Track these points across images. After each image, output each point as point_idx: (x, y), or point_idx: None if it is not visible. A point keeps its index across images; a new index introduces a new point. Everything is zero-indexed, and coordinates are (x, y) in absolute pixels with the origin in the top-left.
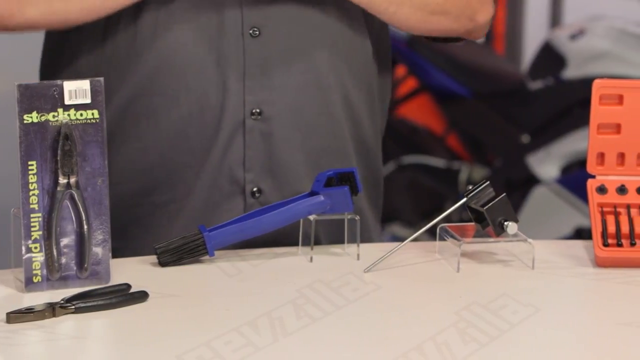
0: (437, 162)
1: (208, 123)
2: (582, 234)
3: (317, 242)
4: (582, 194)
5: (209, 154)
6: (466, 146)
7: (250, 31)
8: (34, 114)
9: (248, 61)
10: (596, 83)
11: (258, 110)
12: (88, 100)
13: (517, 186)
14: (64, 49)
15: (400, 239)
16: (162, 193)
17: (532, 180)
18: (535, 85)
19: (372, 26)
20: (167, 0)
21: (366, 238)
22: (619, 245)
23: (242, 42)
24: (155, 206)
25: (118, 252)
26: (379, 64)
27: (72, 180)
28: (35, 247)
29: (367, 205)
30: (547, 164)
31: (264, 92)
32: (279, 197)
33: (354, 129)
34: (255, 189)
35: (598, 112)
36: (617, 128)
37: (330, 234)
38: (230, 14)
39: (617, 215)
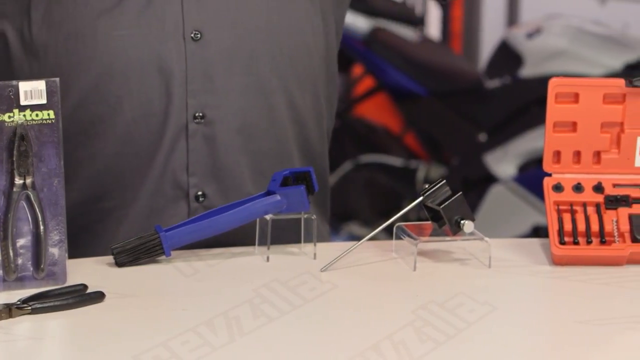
0: (395, 161)
1: (152, 128)
2: (539, 232)
3: (274, 241)
4: (539, 192)
5: (154, 159)
6: (423, 145)
7: (192, 35)
8: None
9: (190, 65)
10: (552, 81)
11: (201, 114)
12: (44, 101)
13: (474, 185)
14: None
15: (357, 238)
16: (109, 199)
17: (489, 179)
18: (493, 83)
19: (320, 29)
20: (108, 6)
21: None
22: (576, 243)
23: (184, 46)
24: (103, 213)
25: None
26: (327, 66)
27: (28, 180)
28: None
29: (314, 208)
30: (504, 163)
31: (206, 96)
32: (223, 201)
33: (298, 132)
34: (199, 193)
35: (554, 110)
36: (573, 126)
37: (286, 234)
38: (171, 17)
39: (573, 213)
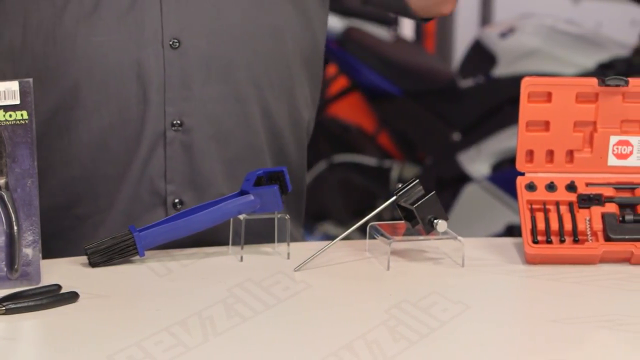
0: (369, 160)
1: (129, 134)
2: (513, 231)
3: (248, 241)
4: (513, 192)
5: (130, 166)
6: (397, 144)
7: (170, 42)
8: None
9: (168, 72)
10: (525, 81)
11: (179, 122)
12: (17, 102)
13: (448, 184)
14: None
15: (331, 237)
16: (84, 205)
17: (463, 178)
18: (466, 83)
19: (302, 34)
20: (87, 11)
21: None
22: (549, 242)
23: (162, 54)
24: (78, 219)
25: None
26: (312, 69)
27: (2, 181)
28: None
29: (289, 213)
30: (477, 162)
31: (184, 104)
32: None
33: (273, 140)
34: (176, 200)
35: (527, 109)
36: (546, 125)
37: (260, 233)
38: (150, 25)
39: (546, 212)
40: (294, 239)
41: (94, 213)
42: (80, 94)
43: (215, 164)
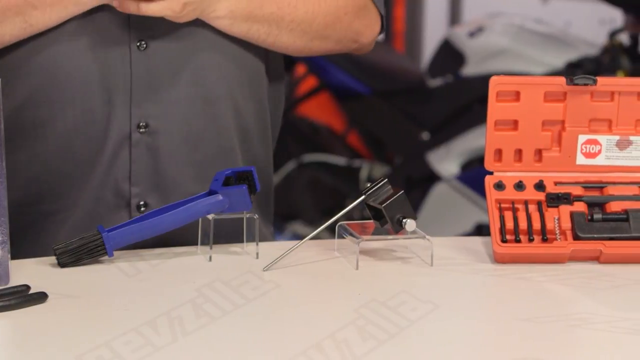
0: (338, 160)
1: (94, 136)
2: (482, 230)
3: (217, 241)
4: (482, 191)
5: (95, 167)
6: (366, 144)
7: (138, 44)
8: None
9: (135, 74)
10: (493, 80)
11: (144, 124)
12: None
13: (417, 183)
14: None
15: (301, 237)
16: (47, 203)
17: (432, 178)
18: (435, 82)
19: None
20: None
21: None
22: (517, 241)
23: (129, 55)
24: (40, 215)
25: None
26: (271, 73)
27: None
28: None
29: (257, 212)
30: (447, 161)
31: (150, 106)
32: None
33: (242, 139)
34: (141, 203)
35: (495, 108)
36: (514, 124)
37: (229, 233)
38: (117, 26)
39: (515, 211)
40: (264, 238)
41: (57, 211)
42: (45, 94)
43: (183, 166)
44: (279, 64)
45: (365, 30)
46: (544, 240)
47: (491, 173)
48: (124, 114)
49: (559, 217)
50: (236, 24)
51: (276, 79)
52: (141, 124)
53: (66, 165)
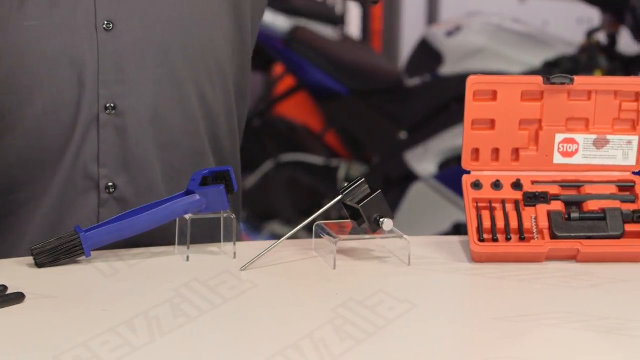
0: (316, 159)
1: (63, 120)
2: (460, 229)
3: (195, 241)
4: (460, 190)
5: (65, 151)
6: (344, 144)
7: (104, 25)
8: None
9: (102, 55)
10: (470, 79)
11: (112, 105)
12: None
13: (395, 183)
14: None
15: (279, 237)
16: (21, 191)
17: (410, 177)
18: (413, 82)
19: (231, 25)
20: None
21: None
22: (495, 240)
23: (96, 36)
24: (16, 204)
25: None
26: (239, 62)
27: None
28: None
29: None
30: (424, 161)
31: (118, 87)
32: (134, 192)
33: (209, 126)
34: (109, 184)
35: (472, 108)
36: (492, 124)
37: (206, 233)
38: (83, 8)
39: (492, 210)
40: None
41: (30, 199)
42: (13, 81)
43: (150, 147)
44: (245, 55)
45: None
46: (522, 239)
47: (468, 172)
48: (92, 96)
49: (537, 216)
50: None
51: (242, 69)
52: (109, 105)
53: (37, 151)
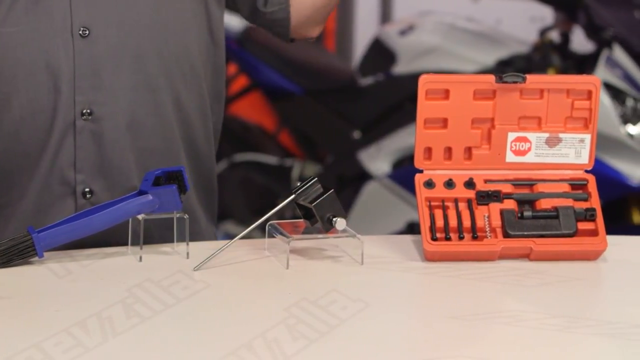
0: (270, 159)
1: (40, 125)
2: (414, 228)
3: (148, 241)
4: (413, 189)
5: (42, 156)
6: (298, 143)
7: (80, 31)
8: None
9: (78, 61)
10: (422, 78)
11: (88, 111)
12: None
13: (349, 182)
14: None
15: (233, 237)
16: None
17: (363, 176)
18: (366, 81)
19: (205, 28)
20: None
21: (199, 240)
22: (448, 239)
23: (72, 43)
24: None
25: None
26: (214, 64)
27: None
28: None
29: (200, 207)
30: (378, 160)
31: (94, 93)
32: (110, 198)
33: (184, 131)
34: (86, 190)
35: (424, 107)
36: (444, 123)
37: (162, 233)
38: (59, 14)
39: (445, 209)
40: (209, 236)
41: (6, 205)
42: None
43: (127, 153)
44: (219, 58)
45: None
46: (474, 238)
47: (421, 171)
48: (69, 102)
49: (489, 215)
50: None
51: (217, 72)
52: (85, 111)
53: (14, 157)
